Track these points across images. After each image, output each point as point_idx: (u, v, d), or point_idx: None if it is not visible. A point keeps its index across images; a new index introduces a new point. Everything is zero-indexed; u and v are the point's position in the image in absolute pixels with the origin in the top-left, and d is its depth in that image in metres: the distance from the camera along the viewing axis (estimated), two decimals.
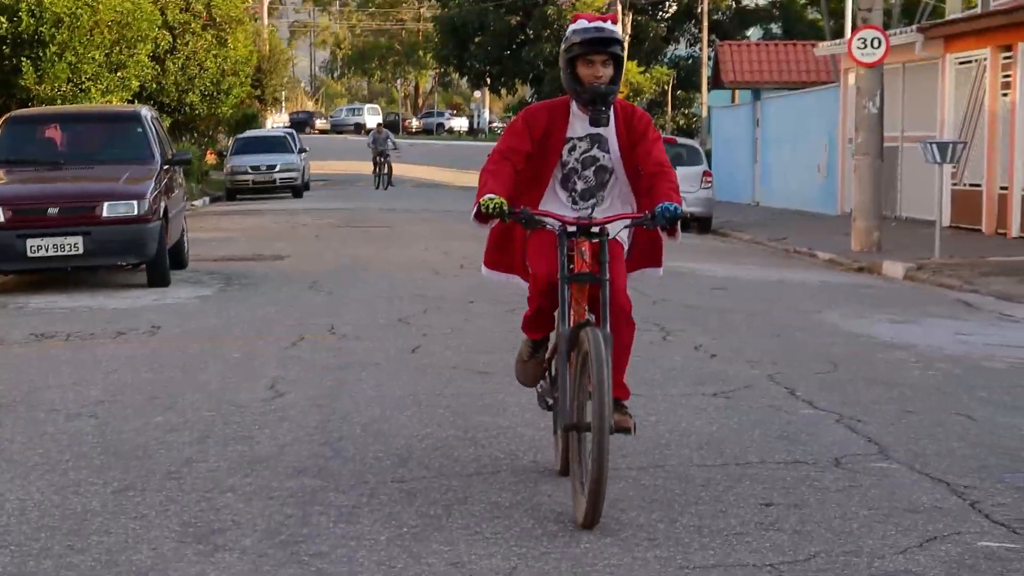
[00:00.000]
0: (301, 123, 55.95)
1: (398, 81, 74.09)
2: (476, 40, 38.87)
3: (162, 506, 3.45)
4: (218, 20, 24.09)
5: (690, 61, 38.84)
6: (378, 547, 3.03)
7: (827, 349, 6.76)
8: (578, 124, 3.73)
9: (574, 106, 3.73)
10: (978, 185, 15.24)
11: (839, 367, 6.15)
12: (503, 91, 47.94)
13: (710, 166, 20.09)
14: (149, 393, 5.35)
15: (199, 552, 3.00)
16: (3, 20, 16.66)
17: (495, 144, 3.84)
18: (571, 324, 3.50)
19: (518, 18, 39.03)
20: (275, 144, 27.15)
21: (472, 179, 40.58)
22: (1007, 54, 14.65)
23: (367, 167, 31.21)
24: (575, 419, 3.34)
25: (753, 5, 41.69)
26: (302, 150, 28.01)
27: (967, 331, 7.76)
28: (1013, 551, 3.09)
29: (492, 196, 3.39)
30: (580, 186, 3.80)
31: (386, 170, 29.40)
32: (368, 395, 5.28)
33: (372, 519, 3.29)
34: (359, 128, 60.50)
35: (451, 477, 3.82)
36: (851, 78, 15.70)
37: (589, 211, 3.71)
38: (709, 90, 30.62)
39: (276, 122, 43.08)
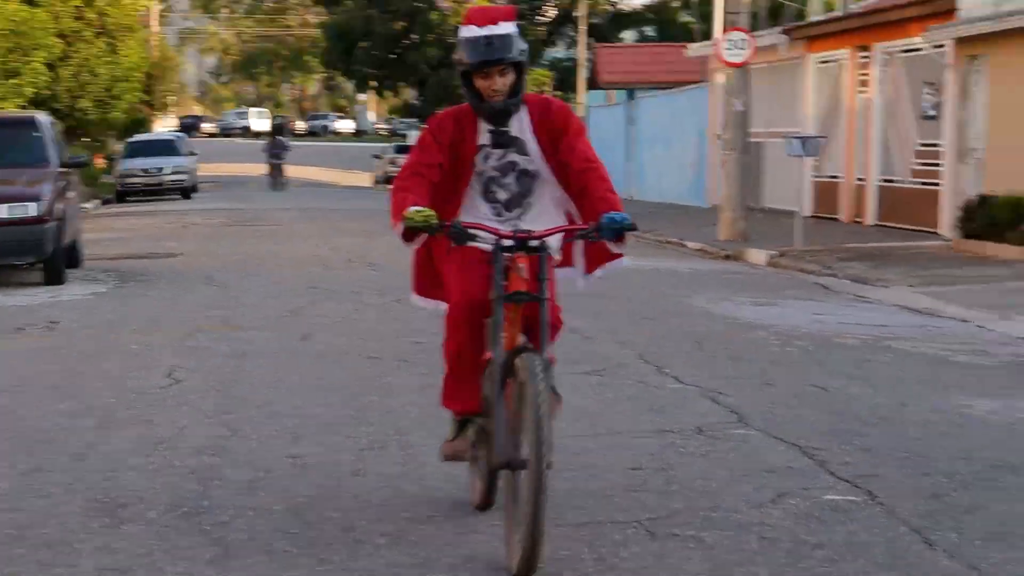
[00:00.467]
0: (190, 127, 56.57)
1: (285, 85, 76.40)
2: (362, 45, 40.49)
3: (68, 485, 3.59)
4: (110, 28, 24.70)
5: (568, 63, 40.24)
6: (274, 516, 3.22)
7: (694, 330, 7.14)
8: (488, 131, 3.39)
9: (481, 118, 3.40)
10: (837, 177, 16.11)
11: (704, 345, 6.50)
12: (388, 94, 49.75)
13: None
14: (51, 383, 5.46)
15: (105, 525, 3.16)
16: None
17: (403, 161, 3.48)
18: (505, 348, 3.13)
19: (402, 23, 40.69)
20: (165, 148, 27.98)
21: (358, 179, 42.06)
22: (864, 54, 15.56)
23: (256, 169, 32.30)
24: (509, 456, 2.96)
25: (629, 9, 43.22)
26: (191, 153, 28.84)
27: (823, 311, 8.20)
28: (855, 503, 3.38)
29: (418, 208, 3.03)
30: (503, 195, 3.45)
31: (281, 173, 31.91)
32: (263, 380, 5.49)
33: (268, 491, 3.48)
34: (247, 131, 61.61)
35: (342, 452, 4.02)
36: (720, 78, 16.36)
37: (517, 221, 3.38)
38: (587, 91, 31.57)
39: (165, 126, 42.84)
